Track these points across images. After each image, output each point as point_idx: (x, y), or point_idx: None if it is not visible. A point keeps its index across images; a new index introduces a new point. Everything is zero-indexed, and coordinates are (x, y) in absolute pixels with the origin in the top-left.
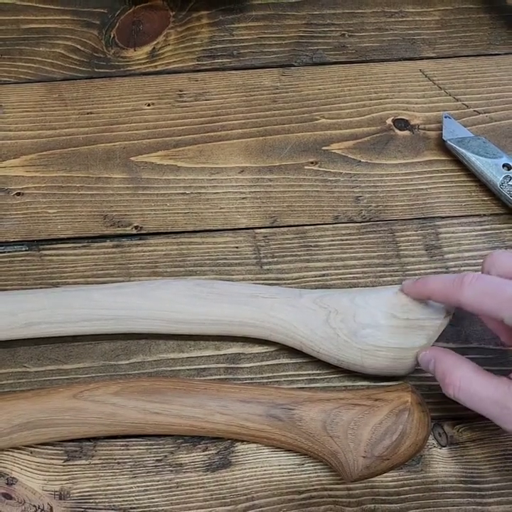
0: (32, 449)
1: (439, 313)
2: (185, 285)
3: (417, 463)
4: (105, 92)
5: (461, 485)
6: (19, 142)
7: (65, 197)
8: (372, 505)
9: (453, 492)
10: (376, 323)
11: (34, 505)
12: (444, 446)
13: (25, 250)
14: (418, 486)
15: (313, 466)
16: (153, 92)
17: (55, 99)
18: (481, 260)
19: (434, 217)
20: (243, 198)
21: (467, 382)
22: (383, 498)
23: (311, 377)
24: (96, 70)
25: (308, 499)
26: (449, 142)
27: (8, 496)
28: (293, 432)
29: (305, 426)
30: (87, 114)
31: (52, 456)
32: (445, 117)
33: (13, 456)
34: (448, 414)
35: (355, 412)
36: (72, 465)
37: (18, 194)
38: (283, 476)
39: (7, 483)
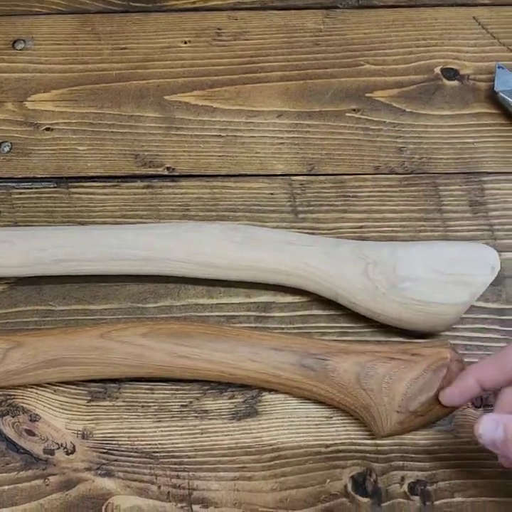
0: (55, 387)
1: (486, 269)
2: (219, 228)
3: (449, 423)
4: (140, 28)
5: None
6: (49, 76)
7: (95, 134)
8: (401, 462)
9: (485, 454)
10: (417, 276)
11: (57, 443)
12: (478, 407)
13: (54, 187)
14: (449, 446)
15: (341, 419)
16: (191, 30)
17: (88, 33)
18: None
19: (480, 173)
20: (280, 144)
21: None
22: (412, 456)
23: (344, 330)
24: (132, 3)
25: (335, 453)
26: (501, 94)
27: (31, 433)
28: (325, 383)
29: (338, 377)
30: (121, 49)
31: (76, 396)
32: (498, 68)
33: (36, 393)
34: None
35: (391, 366)
36: (96, 406)
37: (48, 129)
38: (310, 428)
39: (30, 420)
